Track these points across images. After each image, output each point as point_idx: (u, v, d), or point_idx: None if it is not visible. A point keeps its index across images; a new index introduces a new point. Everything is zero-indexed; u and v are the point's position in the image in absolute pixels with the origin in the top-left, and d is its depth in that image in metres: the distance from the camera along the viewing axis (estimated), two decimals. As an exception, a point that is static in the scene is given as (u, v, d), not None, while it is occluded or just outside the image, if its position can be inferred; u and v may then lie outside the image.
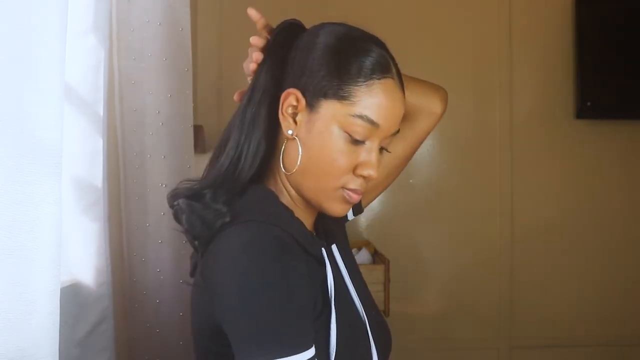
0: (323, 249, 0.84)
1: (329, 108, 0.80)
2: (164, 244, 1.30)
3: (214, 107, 2.19)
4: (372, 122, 0.80)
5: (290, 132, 0.82)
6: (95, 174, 1.19)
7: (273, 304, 0.70)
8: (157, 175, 1.30)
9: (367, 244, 2.17)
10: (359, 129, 0.79)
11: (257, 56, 0.87)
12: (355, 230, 2.29)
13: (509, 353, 2.36)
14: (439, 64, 2.31)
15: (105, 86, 1.20)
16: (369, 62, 0.80)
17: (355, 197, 0.83)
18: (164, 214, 1.29)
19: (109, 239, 1.23)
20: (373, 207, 2.25)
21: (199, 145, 1.83)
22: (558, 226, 2.37)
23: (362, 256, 2.02)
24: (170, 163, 1.32)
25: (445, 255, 2.38)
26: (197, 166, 1.35)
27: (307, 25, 0.90)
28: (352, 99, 0.79)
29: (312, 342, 0.72)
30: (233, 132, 0.85)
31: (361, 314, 0.86)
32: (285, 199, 0.86)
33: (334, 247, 0.91)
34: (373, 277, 1.87)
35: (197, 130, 1.78)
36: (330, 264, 0.84)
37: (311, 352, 0.70)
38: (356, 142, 0.80)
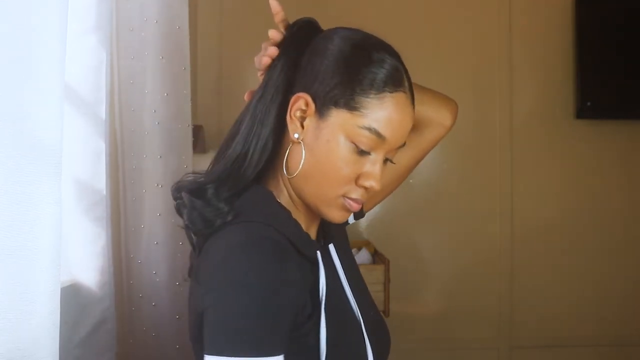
0: (319, 251, 0.84)
1: (338, 117, 0.80)
2: (160, 246, 1.29)
3: (214, 107, 2.19)
4: (379, 135, 0.80)
5: (296, 135, 0.82)
6: (98, 174, 1.19)
7: (252, 306, 0.71)
8: (154, 176, 1.30)
9: (367, 244, 2.17)
10: (365, 140, 0.80)
11: (272, 51, 0.86)
12: (355, 230, 2.29)
13: (509, 353, 2.36)
14: (439, 64, 2.31)
15: (107, 86, 1.20)
16: (382, 74, 0.80)
17: (356, 206, 0.83)
18: (159, 214, 1.28)
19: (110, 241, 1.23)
20: (373, 208, 2.24)
21: (199, 145, 1.83)
22: (558, 226, 2.37)
23: (362, 256, 2.02)
24: (167, 163, 1.31)
25: (445, 255, 2.38)
26: (196, 166, 1.35)
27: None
28: (362, 110, 0.79)
29: (282, 349, 0.72)
30: (242, 128, 0.85)
31: (356, 314, 0.86)
32: (284, 200, 0.86)
33: (331, 247, 0.91)
34: (373, 277, 1.87)
35: (197, 130, 1.78)
36: (326, 264, 0.84)
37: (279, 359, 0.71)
38: (362, 153, 0.81)
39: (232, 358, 0.69)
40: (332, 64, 0.81)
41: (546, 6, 2.35)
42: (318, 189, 0.82)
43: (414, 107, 0.85)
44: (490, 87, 2.35)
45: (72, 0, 0.69)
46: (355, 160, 0.81)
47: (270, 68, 0.86)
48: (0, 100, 0.58)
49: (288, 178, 0.84)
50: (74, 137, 1.16)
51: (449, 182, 2.36)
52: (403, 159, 1.00)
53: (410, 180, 2.33)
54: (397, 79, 0.81)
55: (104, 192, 1.21)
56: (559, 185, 2.38)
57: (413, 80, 0.86)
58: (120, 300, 1.31)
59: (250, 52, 0.93)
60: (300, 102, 0.82)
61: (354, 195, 0.82)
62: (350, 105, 0.79)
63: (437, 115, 1.03)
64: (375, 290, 1.85)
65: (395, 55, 0.84)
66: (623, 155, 2.38)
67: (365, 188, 0.82)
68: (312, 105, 0.81)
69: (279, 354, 0.71)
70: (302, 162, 0.82)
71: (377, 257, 2.07)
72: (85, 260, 1.18)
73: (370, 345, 0.84)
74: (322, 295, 0.80)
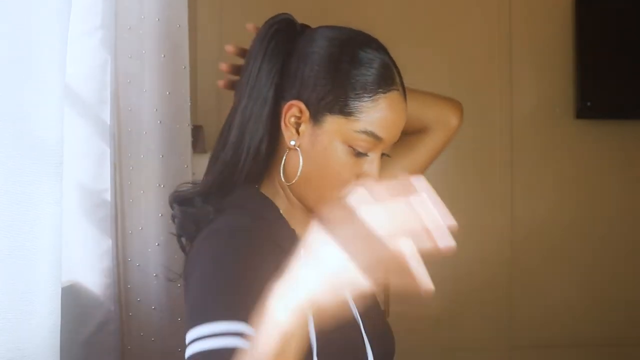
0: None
1: (333, 123, 0.80)
2: (162, 247, 1.28)
3: (214, 107, 2.19)
4: (376, 137, 0.81)
5: (292, 142, 0.82)
6: (102, 175, 1.19)
7: (222, 279, 0.71)
8: (155, 176, 1.29)
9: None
10: (363, 143, 0.80)
11: (222, 67, 0.92)
12: (355, 230, 2.28)
13: (509, 353, 2.36)
14: (438, 63, 2.30)
15: (111, 87, 1.20)
16: (373, 75, 0.80)
17: None
18: (161, 215, 1.28)
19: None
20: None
21: (199, 145, 1.83)
22: (558, 226, 2.37)
23: (362, 256, 2.02)
24: (167, 163, 1.30)
25: (445, 255, 2.38)
26: (196, 166, 1.34)
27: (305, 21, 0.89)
28: (357, 115, 0.80)
29: (251, 321, 0.66)
30: (230, 136, 0.85)
31: (355, 316, 0.85)
32: (280, 201, 0.87)
33: None
34: (373, 277, 1.86)
35: (197, 130, 1.78)
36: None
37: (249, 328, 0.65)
38: (359, 155, 0.81)
39: (203, 325, 0.65)
40: (322, 69, 0.81)
41: (546, 6, 2.35)
42: (319, 193, 0.83)
43: (406, 102, 0.85)
44: (490, 87, 2.35)
45: (74, 0, 0.69)
46: (353, 163, 0.82)
47: (245, 72, 0.85)
48: (1, 100, 0.58)
49: (287, 184, 0.85)
50: (77, 139, 1.16)
51: (448, 182, 2.36)
52: (416, 163, 1.01)
53: (410, 180, 2.32)
54: (388, 77, 0.81)
55: (108, 193, 1.21)
56: (559, 185, 2.38)
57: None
58: (118, 305, 1.30)
59: (251, 52, 0.92)
60: (294, 109, 0.82)
61: None
62: (345, 111, 0.80)
63: (442, 116, 1.03)
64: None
65: (383, 50, 0.83)
66: (623, 155, 2.38)
67: None
68: (307, 112, 0.81)
69: (246, 323, 0.65)
70: (299, 169, 0.82)
71: (377, 257, 2.07)
72: (88, 262, 1.18)
73: (371, 347, 0.84)
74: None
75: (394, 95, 0.81)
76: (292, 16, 0.88)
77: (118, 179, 1.29)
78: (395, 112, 0.82)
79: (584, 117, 2.32)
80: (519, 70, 2.35)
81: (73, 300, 1.14)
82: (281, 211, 0.87)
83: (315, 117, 0.81)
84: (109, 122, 1.20)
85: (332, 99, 0.80)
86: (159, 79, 1.28)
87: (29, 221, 0.61)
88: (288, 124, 0.82)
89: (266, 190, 0.87)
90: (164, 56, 1.29)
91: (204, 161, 0.90)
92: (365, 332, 0.85)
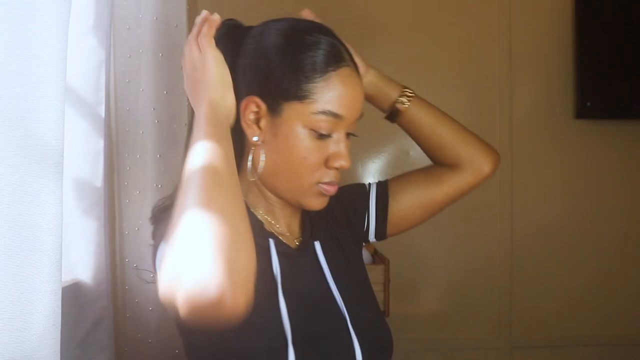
0: (271, 239, 0.84)
1: (291, 110, 0.81)
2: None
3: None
4: (335, 115, 0.81)
5: (255, 138, 0.83)
6: (96, 174, 1.19)
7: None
8: (150, 176, 1.29)
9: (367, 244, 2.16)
10: (323, 124, 0.81)
11: None
12: (355, 230, 2.28)
13: (509, 353, 2.36)
14: (438, 63, 2.30)
15: (108, 86, 1.20)
16: (320, 55, 0.81)
17: (332, 190, 0.85)
18: None
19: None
20: (398, 234, 2.24)
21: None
22: (558, 226, 2.37)
23: (362, 256, 2.02)
24: (164, 163, 1.30)
25: (445, 255, 2.38)
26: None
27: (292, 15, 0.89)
28: (312, 97, 0.80)
29: None
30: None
31: (341, 309, 0.86)
32: (254, 198, 0.88)
33: (317, 245, 0.91)
34: (372, 277, 1.85)
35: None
36: (310, 259, 0.87)
37: None
38: (322, 137, 0.82)
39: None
40: (271, 60, 0.81)
41: (546, 6, 2.35)
42: (290, 183, 0.84)
43: (360, 78, 0.86)
44: (490, 87, 2.35)
45: (73, 0, 0.69)
46: (318, 146, 0.82)
47: None
48: (1, 100, 0.58)
49: (257, 180, 0.86)
50: (74, 137, 1.16)
51: (449, 182, 2.35)
52: (437, 194, 1.02)
53: (410, 180, 2.33)
54: (336, 55, 0.82)
55: (102, 192, 1.21)
56: (559, 185, 2.38)
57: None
58: (115, 307, 1.30)
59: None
60: (251, 105, 0.82)
61: (326, 179, 0.84)
62: (299, 95, 0.80)
63: (477, 158, 1.05)
64: (375, 290, 1.84)
65: (329, 33, 0.84)
66: (623, 155, 2.38)
67: (336, 169, 0.84)
68: (263, 106, 0.82)
69: None
70: (262, 162, 0.83)
71: (376, 257, 2.07)
72: (83, 259, 1.18)
73: (359, 341, 0.84)
74: (277, 280, 0.80)
75: (345, 71, 0.82)
76: (237, 20, 0.90)
77: (115, 179, 1.29)
78: (350, 87, 0.82)
79: (584, 117, 2.32)
80: (519, 70, 2.35)
81: (71, 300, 1.14)
82: (259, 210, 0.88)
83: (273, 108, 0.82)
84: (104, 121, 1.20)
85: (285, 86, 0.80)
86: (157, 79, 1.28)
87: (29, 221, 0.61)
88: (248, 122, 0.83)
89: None
90: (162, 55, 1.29)
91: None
92: (353, 325, 0.85)
